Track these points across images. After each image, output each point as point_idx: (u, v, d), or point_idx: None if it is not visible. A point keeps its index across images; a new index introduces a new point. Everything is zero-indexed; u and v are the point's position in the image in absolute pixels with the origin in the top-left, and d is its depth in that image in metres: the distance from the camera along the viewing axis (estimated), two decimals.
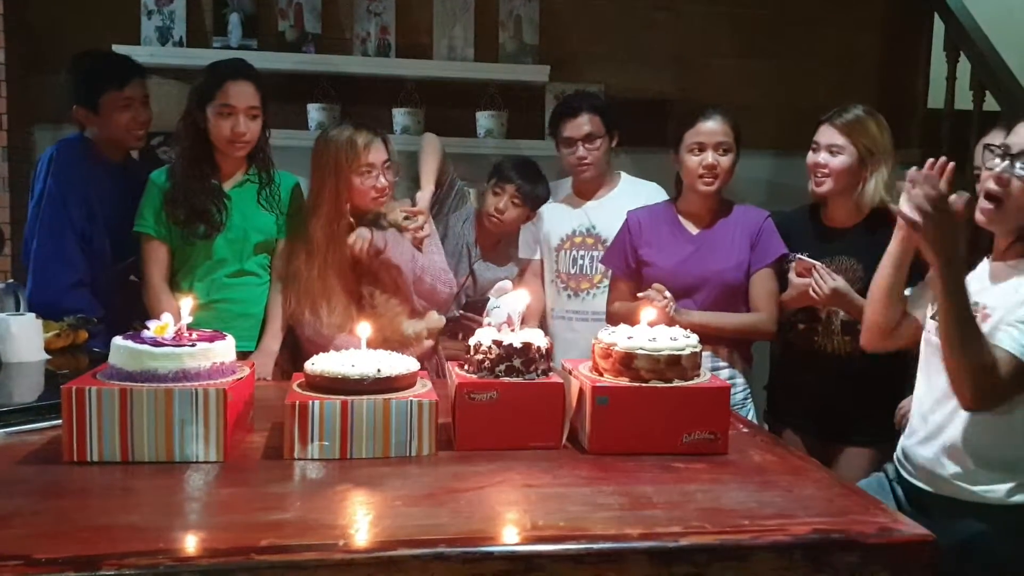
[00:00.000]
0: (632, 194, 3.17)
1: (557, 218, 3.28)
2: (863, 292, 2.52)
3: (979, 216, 1.97)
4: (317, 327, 2.67)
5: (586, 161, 3.14)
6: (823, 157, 2.71)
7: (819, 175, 2.72)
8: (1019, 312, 1.85)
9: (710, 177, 2.78)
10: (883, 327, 2.19)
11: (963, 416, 1.93)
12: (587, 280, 3.19)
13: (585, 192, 3.26)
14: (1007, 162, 1.89)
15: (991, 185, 1.91)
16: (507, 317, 2.70)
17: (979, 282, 2.01)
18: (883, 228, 2.68)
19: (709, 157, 2.76)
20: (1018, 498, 1.91)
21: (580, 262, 3.19)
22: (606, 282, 3.13)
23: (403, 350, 2.56)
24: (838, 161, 2.69)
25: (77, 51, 3.07)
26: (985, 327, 1.90)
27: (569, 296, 3.22)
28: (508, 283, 2.90)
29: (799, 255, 2.66)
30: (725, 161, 2.78)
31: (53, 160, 2.92)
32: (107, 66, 2.97)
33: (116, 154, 2.98)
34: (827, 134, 2.73)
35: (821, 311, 2.72)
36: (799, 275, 2.66)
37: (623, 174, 3.30)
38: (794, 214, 2.92)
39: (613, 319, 2.80)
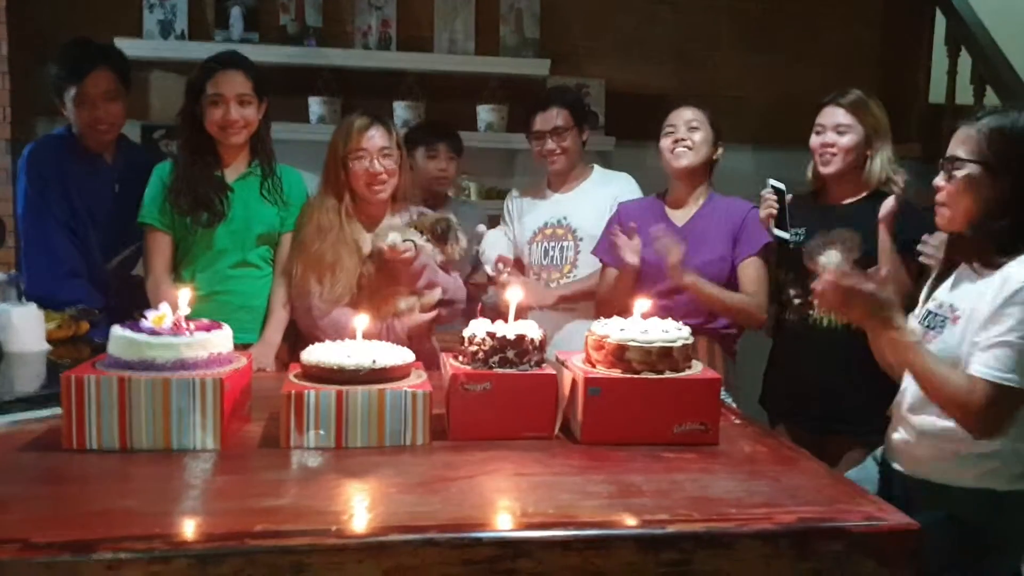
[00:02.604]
0: (603, 184, 3.24)
1: (529, 211, 3.31)
2: (861, 260, 2.57)
3: (937, 221, 2.05)
4: (317, 296, 2.70)
5: (555, 154, 3.20)
6: (830, 137, 2.76)
7: (826, 155, 2.76)
8: (986, 333, 1.87)
9: (680, 148, 2.85)
10: None
11: (933, 404, 1.96)
12: (557, 271, 3.21)
13: (556, 184, 3.30)
14: (942, 171, 1.99)
15: (936, 195, 2.02)
16: (497, 257, 2.75)
17: (950, 282, 2.06)
18: (882, 202, 2.73)
19: (679, 132, 2.85)
20: (984, 482, 1.94)
21: (551, 253, 3.22)
22: (575, 272, 3.17)
23: (394, 320, 2.61)
24: (846, 140, 2.74)
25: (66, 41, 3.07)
26: (955, 331, 1.95)
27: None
28: (482, 226, 2.94)
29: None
30: (696, 136, 2.85)
31: (28, 157, 2.95)
32: (67, 59, 2.92)
33: (96, 145, 2.97)
34: (832, 115, 2.77)
35: (816, 283, 2.74)
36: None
37: (596, 167, 3.34)
38: (795, 196, 2.93)
39: (603, 308, 2.82)
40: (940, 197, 1.99)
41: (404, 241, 2.65)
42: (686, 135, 2.85)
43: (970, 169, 1.93)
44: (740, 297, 2.78)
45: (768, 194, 2.83)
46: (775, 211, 2.80)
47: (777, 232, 2.80)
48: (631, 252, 2.77)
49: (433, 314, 2.77)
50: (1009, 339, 1.82)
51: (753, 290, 2.78)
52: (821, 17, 4.43)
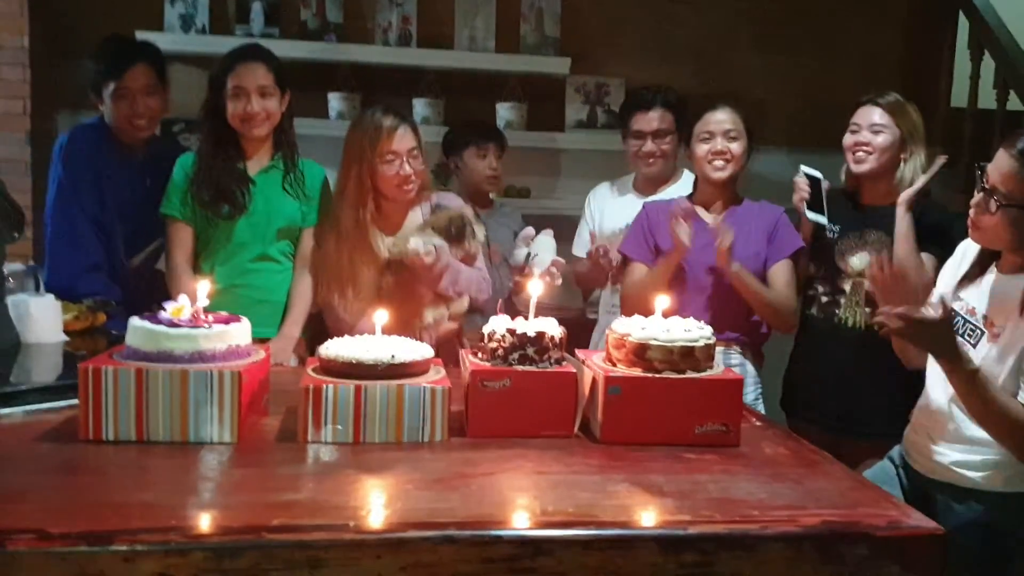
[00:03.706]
0: (686, 189, 3.09)
1: (614, 213, 3.24)
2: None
3: (970, 235, 2.03)
4: (343, 309, 2.70)
5: (653, 156, 3.13)
6: (865, 136, 2.73)
7: (860, 153, 2.73)
8: None
9: (720, 161, 2.79)
10: None
11: (960, 408, 1.96)
12: None
13: (645, 187, 3.22)
14: (981, 195, 1.95)
15: (971, 212, 1.98)
16: (552, 261, 2.73)
17: (985, 290, 2.03)
18: (916, 209, 2.70)
19: (718, 144, 2.78)
20: (1013, 486, 1.94)
21: None
22: None
23: (423, 333, 2.59)
24: (881, 139, 2.71)
25: (100, 38, 3.07)
26: (994, 349, 1.94)
27: (614, 291, 3.17)
28: (531, 229, 2.93)
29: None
30: (735, 147, 2.79)
31: (64, 147, 2.95)
32: (107, 54, 2.93)
33: (131, 139, 2.97)
34: (868, 114, 2.74)
35: (844, 282, 2.73)
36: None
37: (685, 171, 3.22)
38: (831, 192, 2.92)
39: (629, 301, 2.80)
40: (979, 222, 1.96)
41: (426, 244, 2.64)
42: (725, 146, 2.78)
43: (1016, 213, 1.90)
44: (773, 293, 2.76)
45: (800, 179, 2.81)
46: (807, 195, 2.78)
47: (812, 216, 2.78)
48: (686, 235, 2.67)
49: (458, 324, 2.76)
50: None
51: (784, 294, 2.75)
52: (843, 19, 4.39)
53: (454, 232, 2.75)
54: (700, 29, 4.31)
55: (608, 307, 3.22)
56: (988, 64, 4.23)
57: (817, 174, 2.82)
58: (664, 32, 4.29)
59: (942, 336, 1.88)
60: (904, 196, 2.63)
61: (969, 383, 1.88)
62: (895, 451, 2.23)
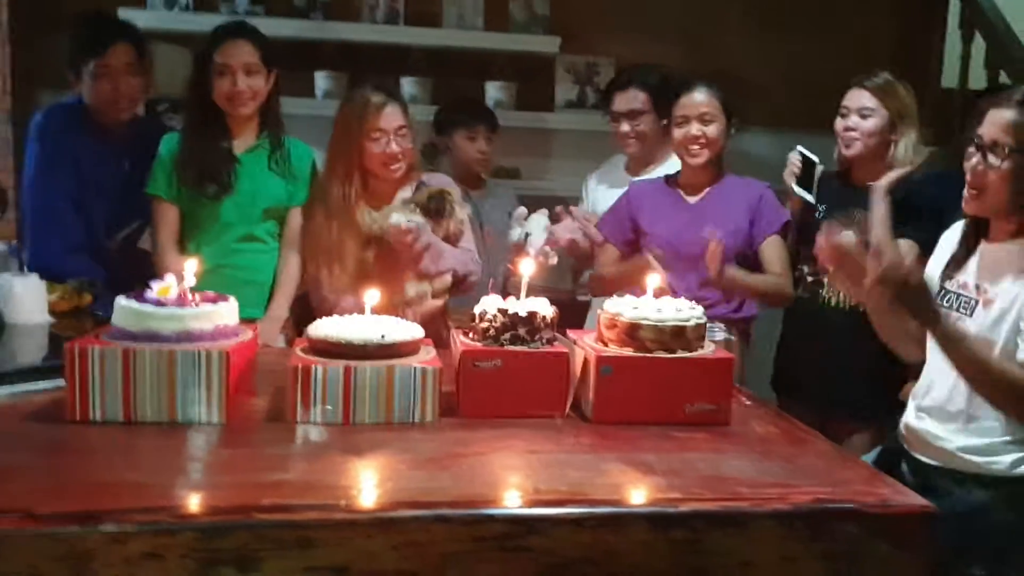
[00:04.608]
0: (672, 169, 3.05)
1: (604, 196, 3.23)
2: None
3: (965, 206, 2.00)
4: (327, 286, 2.69)
5: (629, 137, 3.12)
6: (853, 120, 2.73)
7: (848, 137, 2.73)
8: None
9: (695, 147, 2.76)
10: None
11: (965, 390, 1.94)
12: None
13: (634, 168, 3.22)
14: (979, 155, 1.92)
15: (968, 179, 1.96)
16: (546, 239, 2.74)
17: (974, 261, 2.02)
18: (901, 192, 2.69)
19: (693, 129, 2.75)
20: (1021, 469, 1.92)
21: None
22: None
23: (406, 309, 2.57)
24: (869, 123, 2.71)
25: (81, 13, 3.03)
26: (990, 315, 1.93)
27: None
28: (523, 209, 2.93)
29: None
30: (710, 131, 2.75)
31: (39, 125, 2.90)
32: (87, 32, 2.88)
33: (109, 119, 2.92)
34: (857, 97, 2.74)
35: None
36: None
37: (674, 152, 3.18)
38: (824, 175, 2.92)
39: (598, 283, 2.80)
40: (977, 182, 1.94)
41: (408, 221, 2.62)
42: (700, 130, 2.74)
43: (1019, 160, 1.87)
44: (773, 280, 2.76)
45: (794, 156, 2.84)
46: (797, 171, 2.81)
47: (799, 191, 2.80)
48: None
49: (442, 301, 2.74)
50: None
51: (778, 270, 2.76)
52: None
53: (434, 208, 2.73)
54: (691, 8, 4.27)
55: None
56: (979, 45, 4.22)
57: (813, 157, 2.83)
58: (655, 10, 4.24)
59: (918, 293, 1.87)
60: (882, 181, 2.60)
61: (949, 341, 1.87)
62: (892, 440, 2.22)
